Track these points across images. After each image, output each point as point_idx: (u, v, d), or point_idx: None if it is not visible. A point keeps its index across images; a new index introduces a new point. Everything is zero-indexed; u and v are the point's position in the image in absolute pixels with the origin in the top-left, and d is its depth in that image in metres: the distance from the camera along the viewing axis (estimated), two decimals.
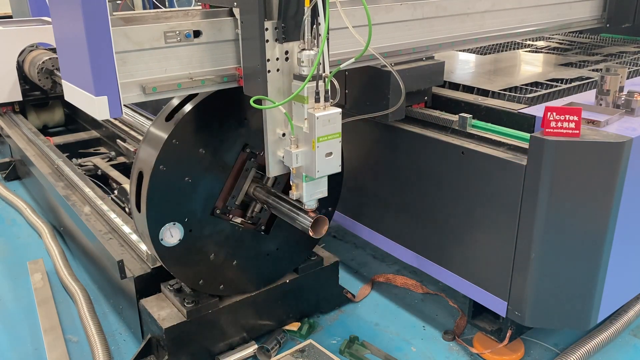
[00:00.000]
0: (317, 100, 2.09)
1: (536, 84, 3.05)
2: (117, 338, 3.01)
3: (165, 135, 2.29)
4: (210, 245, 2.57)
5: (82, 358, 2.86)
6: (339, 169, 2.22)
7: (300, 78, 2.10)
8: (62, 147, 4.83)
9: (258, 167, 2.61)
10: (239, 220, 2.66)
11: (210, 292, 2.65)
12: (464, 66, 3.60)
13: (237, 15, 2.14)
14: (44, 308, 3.21)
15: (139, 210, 2.39)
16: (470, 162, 2.56)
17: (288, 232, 2.81)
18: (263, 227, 2.77)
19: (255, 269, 2.77)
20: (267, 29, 2.04)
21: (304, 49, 2.10)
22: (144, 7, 7.75)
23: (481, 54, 3.92)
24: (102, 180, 4.23)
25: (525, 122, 2.53)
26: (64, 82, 2.18)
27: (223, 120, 2.44)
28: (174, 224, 2.41)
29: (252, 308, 2.82)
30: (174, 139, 2.31)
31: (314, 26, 2.07)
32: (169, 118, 2.35)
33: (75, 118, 5.95)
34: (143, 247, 2.83)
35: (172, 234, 2.42)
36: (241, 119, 2.48)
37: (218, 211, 2.55)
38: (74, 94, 2.09)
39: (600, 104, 2.57)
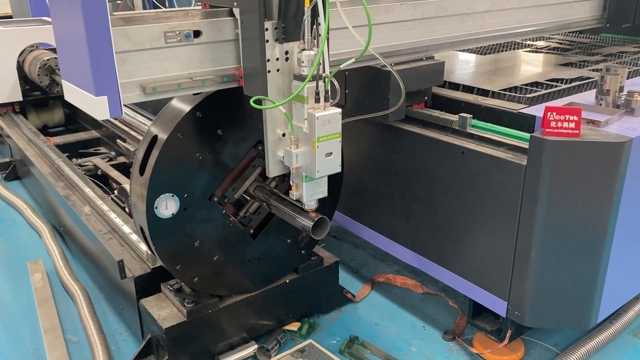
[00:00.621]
0: (317, 100, 2.09)
1: (536, 84, 3.05)
2: (117, 338, 3.01)
3: (191, 105, 2.31)
4: (198, 231, 2.53)
5: (82, 358, 2.86)
6: (339, 169, 2.22)
7: (300, 78, 2.10)
8: (62, 147, 4.83)
9: (264, 168, 2.59)
10: (231, 217, 2.64)
11: (184, 281, 2.61)
12: (464, 66, 3.61)
13: (237, 15, 2.14)
14: (44, 308, 3.21)
15: (141, 173, 2.37)
16: (470, 162, 2.56)
17: (273, 246, 2.79)
18: (252, 231, 2.74)
19: (231, 271, 2.70)
20: (267, 29, 2.04)
21: (304, 49, 2.10)
22: (144, 7, 7.75)
23: (481, 54, 3.92)
24: (102, 180, 4.23)
25: (525, 122, 2.53)
26: (64, 82, 2.18)
27: (247, 109, 2.44)
28: (172, 197, 2.39)
29: (252, 308, 2.82)
30: (198, 112, 2.33)
31: (314, 26, 2.07)
32: (197, 92, 2.36)
33: (75, 118, 5.95)
34: (143, 247, 2.83)
35: (167, 206, 2.39)
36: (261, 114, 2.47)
37: (216, 199, 2.54)
38: (74, 94, 2.09)
39: (600, 104, 2.57)
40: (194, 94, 2.36)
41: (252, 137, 2.54)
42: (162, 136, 2.31)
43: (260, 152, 2.57)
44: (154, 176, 2.32)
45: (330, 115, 2.10)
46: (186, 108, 2.33)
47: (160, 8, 7.24)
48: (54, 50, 5.32)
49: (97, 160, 4.68)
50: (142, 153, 2.38)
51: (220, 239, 2.61)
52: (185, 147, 2.36)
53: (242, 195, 2.64)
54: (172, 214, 2.42)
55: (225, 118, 2.43)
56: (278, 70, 2.11)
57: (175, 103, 2.42)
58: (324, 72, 2.08)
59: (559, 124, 2.20)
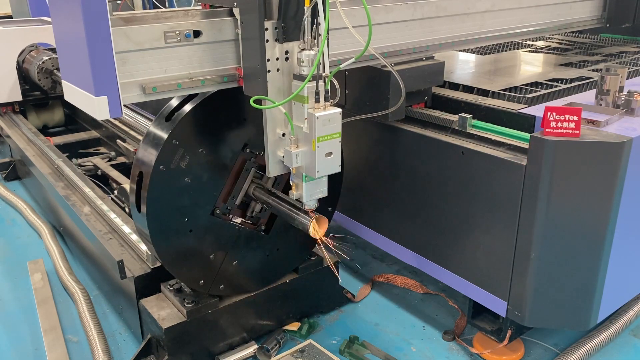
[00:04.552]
0: (317, 100, 2.09)
1: (536, 84, 3.05)
2: (117, 338, 3.01)
3: (166, 134, 2.29)
4: (211, 245, 2.57)
5: (82, 358, 2.86)
6: (339, 169, 2.22)
7: (300, 78, 2.10)
8: (62, 147, 4.83)
9: (258, 167, 2.61)
10: (239, 220, 2.66)
11: (209, 293, 2.65)
12: (464, 66, 3.60)
13: (237, 15, 2.14)
14: (44, 308, 3.21)
15: (139, 210, 2.39)
16: (470, 162, 2.56)
17: (288, 233, 2.80)
18: (263, 228, 2.77)
19: (254, 269, 2.76)
20: (267, 29, 2.04)
21: (304, 49, 2.10)
22: (144, 7, 7.75)
23: (481, 54, 3.92)
24: (102, 180, 4.23)
25: (525, 122, 2.53)
26: (63, 82, 2.18)
27: (224, 117, 2.43)
28: None
29: (252, 308, 2.82)
30: (174, 139, 2.30)
31: (314, 26, 2.07)
32: (168, 118, 2.35)
33: (75, 118, 5.95)
34: (143, 247, 2.83)
35: None
36: (240, 119, 2.48)
37: (218, 211, 2.55)
38: (74, 94, 2.09)
39: (600, 104, 2.57)
40: (167, 120, 2.34)
41: (236, 143, 2.52)
42: (147, 172, 2.30)
43: (250, 154, 2.56)
44: (150, 213, 2.33)
45: (330, 115, 2.10)
46: (162, 139, 2.29)
47: (160, 8, 7.24)
48: (53, 50, 5.31)
49: (97, 160, 4.68)
50: (135, 189, 2.38)
51: (233, 245, 2.64)
52: (171, 177, 2.34)
53: (243, 199, 2.64)
54: None
55: (204, 136, 2.40)
56: (278, 70, 2.11)
57: (153, 130, 2.37)
58: (324, 71, 2.08)
59: (559, 124, 2.20)
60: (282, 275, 2.91)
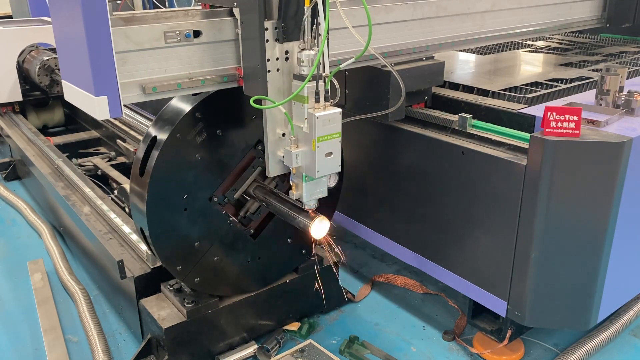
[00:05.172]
0: (317, 100, 2.09)
1: (536, 84, 3.05)
2: (117, 338, 3.01)
3: (190, 106, 2.31)
4: (198, 232, 2.53)
5: (82, 358, 2.86)
6: (339, 169, 2.22)
7: (300, 78, 2.10)
8: (62, 147, 4.83)
9: (263, 168, 2.59)
10: (230, 217, 2.64)
11: (185, 282, 2.60)
12: (464, 66, 3.60)
13: (237, 15, 2.14)
14: (44, 308, 3.21)
15: (141, 174, 2.37)
16: (470, 162, 2.56)
17: (274, 244, 2.79)
18: (252, 232, 2.74)
19: (232, 272, 2.70)
20: (267, 29, 2.04)
21: (304, 49, 2.10)
22: (144, 7, 7.75)
23: (481, 54, 3.92)
24: (102, 180, 4.23)
25: (525, 122, 2.53)
26: (64, 82, 2.18)
27: (246, 109, 2.44)
28: None
29: (252, 308, 2.82)
30: (197, 112, 2.33)
31: (314, 26, 2.07)
32: (197, 92, 2.35)
33: (75, 118, 5.95)
34: (143, 247, 2.83)
35: None
36: (262, 114, 2.47)
37: (216, 199, 2.54)
38: (74, 94, 2.09)
39: (600, 104, 2.57)
40: (194, 95, 2.35)
41: (251, 137, 2.54)
42: (162, 137, 2.31)
43: (260, 152, 2.57)
44: (154, 177, 2.31)
45: (330, 115, 2.10)
46: (186, 109, 2.32)
47: (160, 8, 7.24)
48: (53, 50, 5.32)
49: (97, 160, 4.68)
50: (142, 154, 2.38)
51: (220, 240, 2.61)
52: (184, 148, 2.35)
53: (242, 195, 2.64)
54: None
55: (225, 119, 2.43)
56: (278, 70, 2.11)
57: (174, 103, 2.42)
58: (324, 71, 2.08)
59: (559, 124, 2.20)
60: (258, 287, 2.83)
